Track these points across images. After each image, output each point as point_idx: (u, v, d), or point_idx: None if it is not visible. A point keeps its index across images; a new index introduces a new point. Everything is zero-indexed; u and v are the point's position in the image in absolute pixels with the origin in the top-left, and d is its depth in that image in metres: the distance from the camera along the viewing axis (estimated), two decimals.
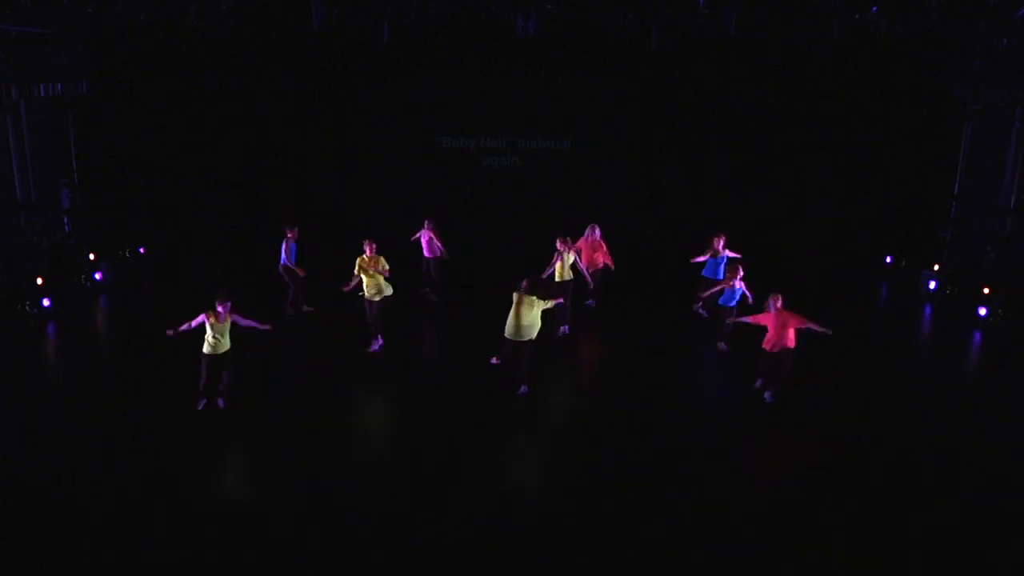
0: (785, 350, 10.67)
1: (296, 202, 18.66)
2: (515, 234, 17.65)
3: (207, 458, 9.53)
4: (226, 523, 8.30)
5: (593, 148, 18.76)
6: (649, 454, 9.84)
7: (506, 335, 10.91)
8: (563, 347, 12.96)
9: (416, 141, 18.77)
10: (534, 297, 10.67)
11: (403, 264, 13.88)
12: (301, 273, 13.99)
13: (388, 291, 12.53)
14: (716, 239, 13.60)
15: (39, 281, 14.17)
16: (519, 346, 10.89)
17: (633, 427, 10.50)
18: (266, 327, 10.61)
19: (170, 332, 10.15)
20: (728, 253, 13.52)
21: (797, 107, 17.89)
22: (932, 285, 15.95)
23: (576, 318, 13.67)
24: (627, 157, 18.89)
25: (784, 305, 10.69)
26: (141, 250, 17.71)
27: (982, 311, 14.29)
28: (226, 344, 10.24)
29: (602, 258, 14.07)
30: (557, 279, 13.06)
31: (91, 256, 16.11)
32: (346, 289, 12.51)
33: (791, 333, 10.63)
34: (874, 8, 13.36)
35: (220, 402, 10.41)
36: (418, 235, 14.80)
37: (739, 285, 12.28)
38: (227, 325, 10.17)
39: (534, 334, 10.84)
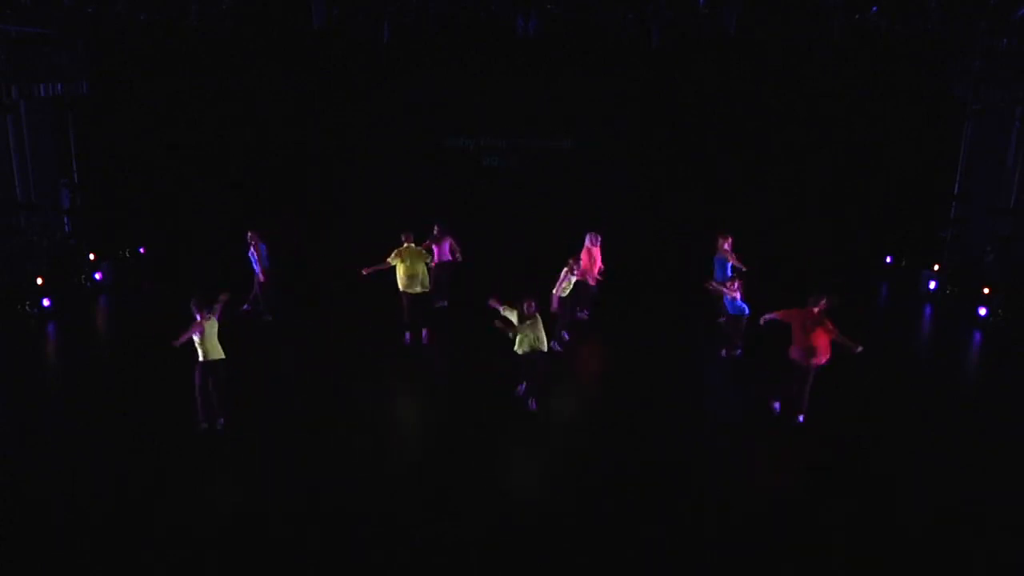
0: (812, 364, 9.97)
1: (296, 202, 18.68)
2: (515, 234, 17.66)
3: (207, 458, 9.52)
4: (226, 523, 8.31)
5: (593, 148, 18.76)
6: (649, 454, 9.83)
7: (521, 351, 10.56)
8: (563, 348, 12.94)
9: (416, 141, 18.76)
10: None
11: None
12: (261, 278, 13.72)
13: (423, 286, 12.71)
14: (722, 239, 13.54)
15: (39, 281, 14.18)
16: (536, 359, 10.59)
17: (633, 427, 10.50)
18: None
19: (175, 343, 9.73)
20: (732, 259, 13.42)
21: (797, 107, 17.88)
22: (932, 285, 15.95)
23: (575, 320, 13.62)
24: (627, 157, 18.88)
25: (821, 311, 9.94)
26: (141, 250, 17.72)
27: (982, 311, 14.29)
28: (219, 351, 9.79)
29: (595, 270, 13.63)
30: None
31: (91, 256, 16.11)
32: (365, 272, 12.66)
33: (824, 343, 9.92)
34: (874, 8, 13.35)
35: (220, 422, 9.99)
36: (439, 242, 14.25)
37: (737, 296, 11.98)
38: (215, 327, 9.77)
39: (545, 346, 10.63)
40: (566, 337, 13.02)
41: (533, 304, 10.37)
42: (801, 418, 10.39)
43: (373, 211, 18.42)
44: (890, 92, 17.12)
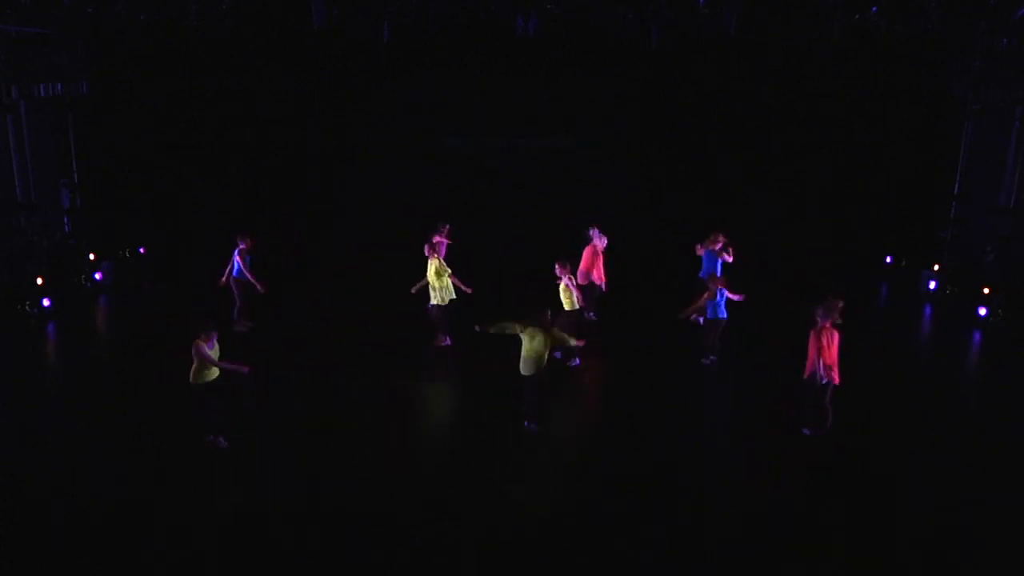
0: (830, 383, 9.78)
1: (296, 202, 18.70)
2: (515, 234, 17.67)
3: (207, 458, 9.51)
4: (226, 523, 8.31)
5: (593, 148, 18.79)
6: (649, 455, 9.83)
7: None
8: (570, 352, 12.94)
9: (416, 141, 18.78)
10: (543, 330, 9.86)
11: (407, 266, 13.82)
12: (260, 287, 13.28)
13: (438, 297, 12.66)
14: (714, 236, 13.35)
15: (39, 281, 14.18)
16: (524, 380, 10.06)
17: (633, 427, 10.50)
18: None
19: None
20: (725, 255, 13.26)
21: (797, 107, 17.89)
22: (932, 285, 15.95)
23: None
24: (627, 157, 18.91)
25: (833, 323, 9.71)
26: (141, 250, 17.73)
27: (982, 311, 14.29)
28: (216, 371, 9.46)
29: (596, 274, 13.33)
30: (568, 308, 12.10)
31: (91, 256, 16.12)
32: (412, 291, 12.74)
33: (834, 358, 9.70)
34: (874, 8, 13.36)
35: (222, 441, 9.69)
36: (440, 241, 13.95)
37: (724, 295, 11.78)
38: (217, 351, 9.42)
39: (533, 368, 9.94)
40: (578, 363, 12.44)
41: (548, 313, 9.96)
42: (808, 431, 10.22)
43: (373, 211, 18.46)
44: (890, 92, 17.13)
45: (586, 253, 13.35)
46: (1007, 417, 10.84)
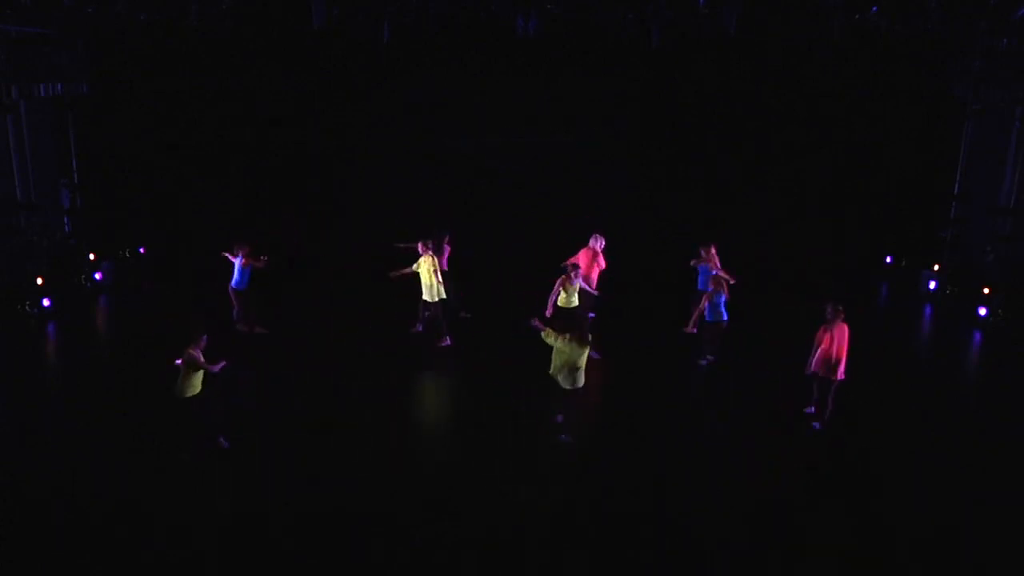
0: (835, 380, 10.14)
1: (296, 202, 18.68)
2: (515, 234, 17.65)
3: (207, 458, 9.50)
4: (226, 523, 8.30)
5: (593, 148, 18.75)
6: (648, 454, 9.84)
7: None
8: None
9: (416, 141, 18.76)
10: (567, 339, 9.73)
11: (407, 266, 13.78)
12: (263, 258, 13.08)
13: (438, 294, 12.70)
14: (704, 248, 13.21)
15: (39, 281, 14.18)
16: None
17: (633, 427, 10.50)
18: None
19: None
20: (717, 268, 13.17)
21: (797, 107, 17.88)
22: (932, 285, 15.96)
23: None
24: (627, 157, 18.88)
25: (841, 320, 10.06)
26: (141, 250, 17.73)
27: (982, 311, 14.30)
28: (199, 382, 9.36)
29: (595, 275, 13.23)
30: (564, 306, 12.26)
31: (91, 256, 16.12)
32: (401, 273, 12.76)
33: (843, 354, 10.04)
34: (874, 8, 13.35)
35: (223, 441, 9.73)
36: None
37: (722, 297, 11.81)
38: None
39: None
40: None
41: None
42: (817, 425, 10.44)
43: (373, 211, 18.44)
44: (890, 92, 17.12)
45: (584, 256, 13.26)
46: (1007, 417, 10.85)
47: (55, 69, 15.05)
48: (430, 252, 12.65)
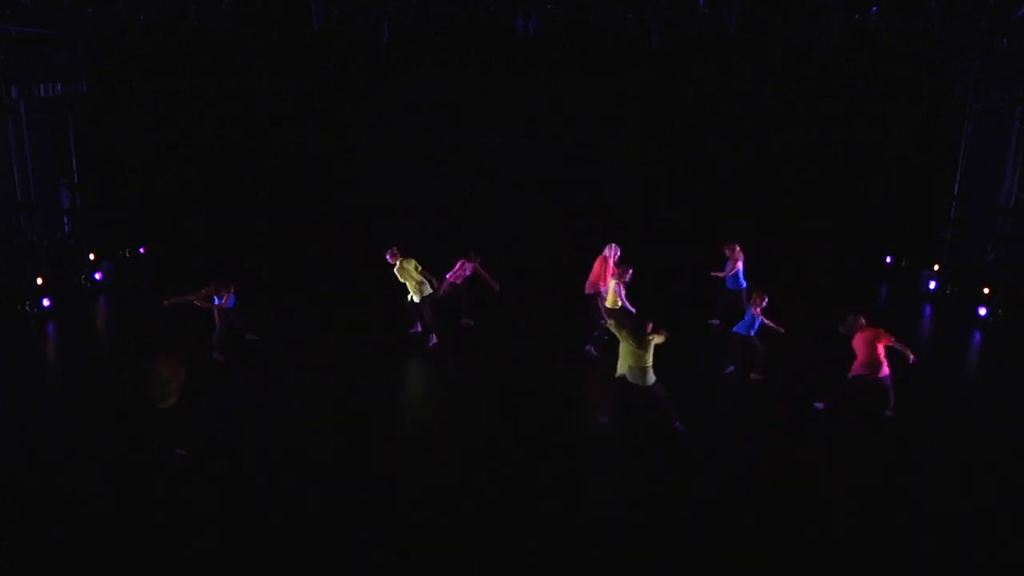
0: (883, 375, 10.34)
1: (296, 202, 18.69)
2: (515, 234, 17.66)
3: (207, 458, 9.50)
4: (226, 523, 8.30)
5: (593, 148, 18.76)
6: (649, 453, 9.84)
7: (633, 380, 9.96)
8: (571, 354, 12.97)
9: (416, 141, 18.76)
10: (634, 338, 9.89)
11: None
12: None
13: (427, 289, 12.75)
14: (730, 248, 13.47)
15: (39, 281, 14.18)
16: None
17: (633, 426, 10.49)
18: None
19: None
20: (741, 265, 13.38)
21: (797, 107, 17.89)
22: (932, 285, 15.95)
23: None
24: (627, 157, 18.89)
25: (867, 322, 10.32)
26: (141, 250, 17.73)
27: (982, 311, 14.30)
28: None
29: (604, 285, 13.07)
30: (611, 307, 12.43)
31: (91, 256, 16.12)
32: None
33: (883, 352, 10.26)
34: (874, 8, 13.35)
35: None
36: (462, 270, 13.63)
37: (759, 314, 11.52)
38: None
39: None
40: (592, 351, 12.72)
41: (651, 324, 9.90)
42: (823, 404, 10.69)
43: (373, 211, 18.45)
44: (890, 92, 17.13)
45: (597, 264, 13.27)
46: (1007, 417, 10.84)
47: (55, 69, 15.05)
48: (399, 257, 12.65)
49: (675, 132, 18.46)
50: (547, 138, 18.69)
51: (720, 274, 13.65)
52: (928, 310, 15.67)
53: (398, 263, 12.68)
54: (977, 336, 14.14)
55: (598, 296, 13.10)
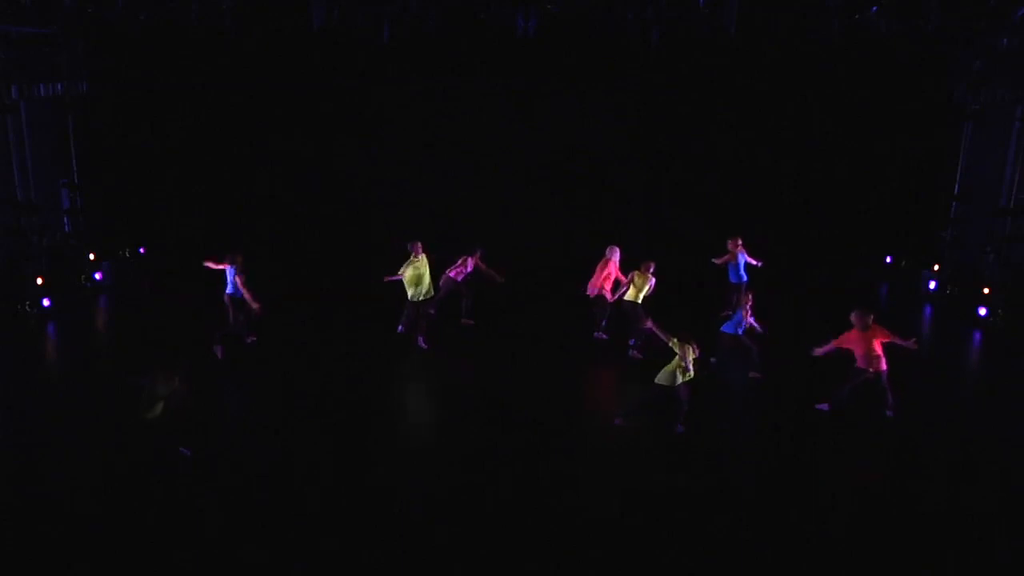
0: (882, 371, 10.43)
1: (295, 203, 18.69)
2: (515, 234, 17.66)
3: (207, 458, 9.50)
4: (225, 524, 8.30)
5: (593, 148, 18.76)
6: (649, 453, 9.84)
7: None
8: (573, 355, 12.97)
9: (416, 141, 18.76)
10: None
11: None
12: (255, 305, 12.25)
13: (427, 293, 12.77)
14: (731, 242, 13.55)
15: (39, 281, 14.18)
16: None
17: (633, 426, 10.50)
18: None
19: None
20: (746, 256, 13.47)
21: (797, 107, 17.89)
22: (932, 285, 15.96)
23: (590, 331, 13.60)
24: (627, 157, 18.89)
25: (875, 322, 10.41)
26: (141, 250, 17.72)
27: (982, 311, 14.30)
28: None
29: (608, 285, 13.14)
30: (631, 300, 12.52)
31: (91, 256, 16.11)
32: (387, 279, 12.74)
33: (879, 348, 10.37)
34: (874, 8, 13.36)
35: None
36: (464, 266, 13.64)
37: (748, 316, 11.71)
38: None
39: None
40: (634, 351, 12.71)
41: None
42: (826, 406, 10.76)
43: (373, 211, 18.45)
44: (890, 92, 17.12)
45: (598, 267, 13.22)
46: (1007, 417, 10.84)
47: (55, 69, 15.05)
48: (419, 255, 12.67)
49: (675, 132, 18.46)
50: (547, 138, 18.68)
51: (718, 261, 13.75)
52: (928, 310, 15.68)
53: (422, 258, 12.65)
54: (977, 336, 14.14)
55: (600, 298, 13.12)
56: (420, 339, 12.94)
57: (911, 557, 7.96)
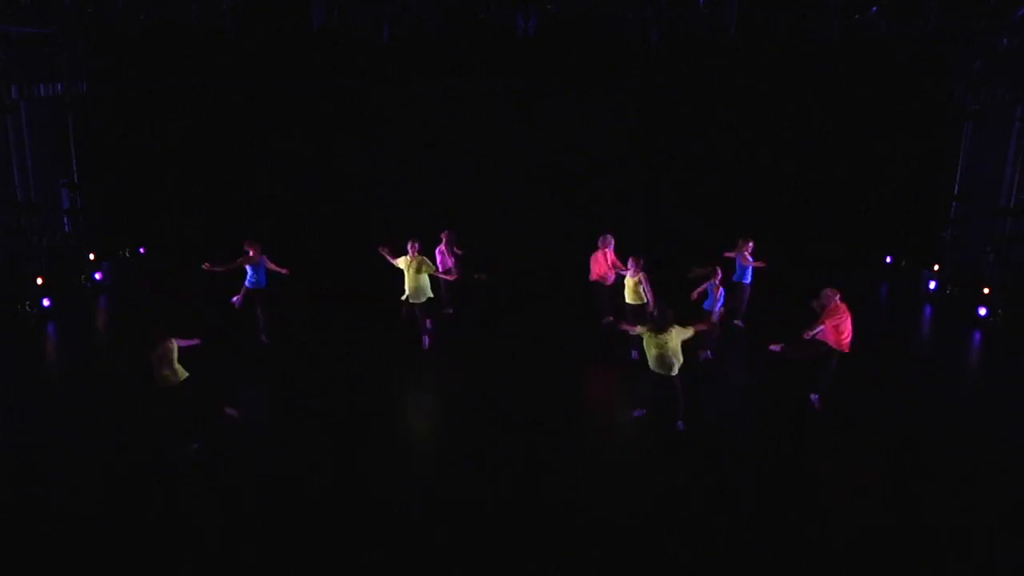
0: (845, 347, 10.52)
1: (295, 203, 18.69)
2: (515, 234, 17.66)
3: (207, 458, 9.50)
4: (225, 524, 8.30)
5: (593, 148, 18.76)
6: (649, 453, 9.84)
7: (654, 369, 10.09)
8: (573, 355, 12.97)
9: (416, 141, 18.76)
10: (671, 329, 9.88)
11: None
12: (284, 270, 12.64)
13: (429, 293, 12.73)
14: (742, 242, 13.49)
15: (39, 281, 14.18)
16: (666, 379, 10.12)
17: (634, 426, 10.50)
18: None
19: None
20: (752, 260, 13.40)
21: (797, 107, 17.89)
22: (932, 285, 15.96)
23: (590, 330, 13.59)
24: (627, 157, 18.89)
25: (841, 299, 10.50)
26: (141, 250, 17.72)
27: (982, 311, 14.30)
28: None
29: (611, 274, 13.22)
30: (633, 302, 12.35)
31: (91, 256, 16.12)
32: (382, 251, 12.72)
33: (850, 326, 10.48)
34: (874, 8, 13.36)
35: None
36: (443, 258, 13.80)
37: (720, 289, 11.92)
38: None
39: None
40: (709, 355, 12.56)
41: (672, 312, 9.90)
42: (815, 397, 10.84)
43: (373, 211, 18.45)
44: (890, 92, 17.13)
45: (597, 257, 13.29)
46: (1007, 417, 10.84)
47: (55, 69, 15.06)
48: (418, 256, 12.63)
49: (675, 132, 18.47)
50: (547, 138, 18.69)
51: (730, 255, 13.70)
52: (928, 310, 15.67)
53: (416, 258, 12.58)
54: (977, 336, 14.14)
55: (601, 285, 13.14)
56: (425, 339, 12.95)
57: (911, 557, 7.96)
